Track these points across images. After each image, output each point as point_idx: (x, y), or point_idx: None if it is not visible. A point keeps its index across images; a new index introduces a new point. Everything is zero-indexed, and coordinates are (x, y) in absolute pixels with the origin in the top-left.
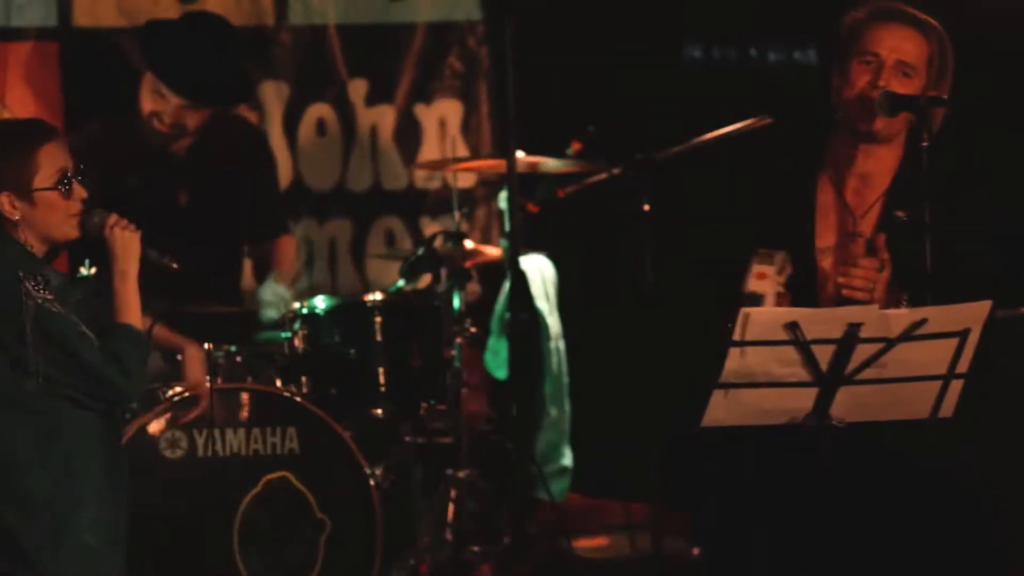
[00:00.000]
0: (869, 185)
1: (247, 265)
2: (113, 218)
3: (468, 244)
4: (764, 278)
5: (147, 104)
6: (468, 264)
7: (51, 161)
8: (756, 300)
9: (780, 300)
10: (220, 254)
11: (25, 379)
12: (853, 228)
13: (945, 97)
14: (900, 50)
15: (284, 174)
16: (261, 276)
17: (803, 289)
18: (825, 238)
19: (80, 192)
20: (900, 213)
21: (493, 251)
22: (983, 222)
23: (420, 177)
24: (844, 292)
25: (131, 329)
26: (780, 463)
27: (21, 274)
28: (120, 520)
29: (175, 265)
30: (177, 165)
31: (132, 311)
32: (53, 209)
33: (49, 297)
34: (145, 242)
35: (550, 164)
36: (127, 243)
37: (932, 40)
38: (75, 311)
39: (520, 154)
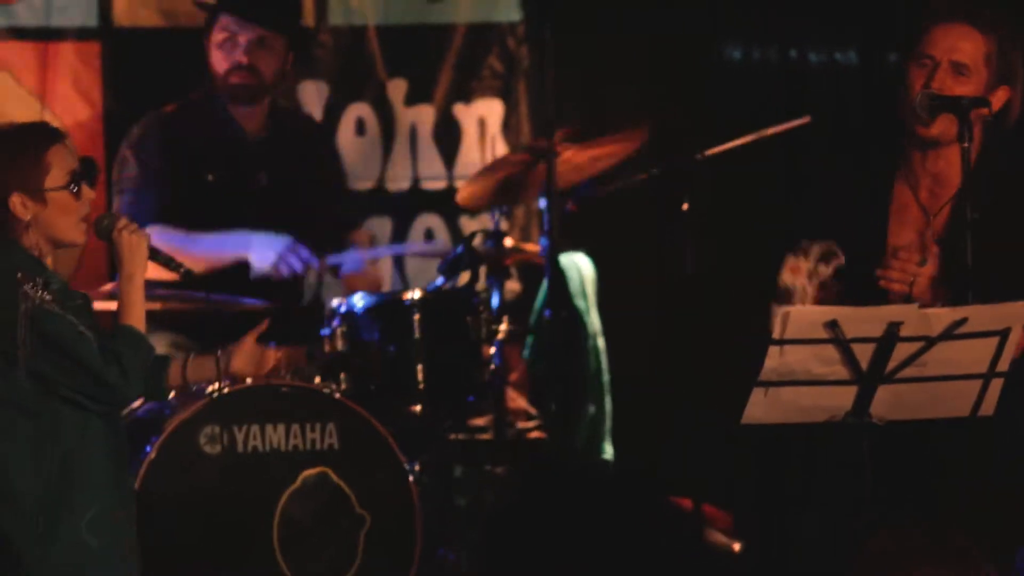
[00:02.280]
0: (942, 185)
1: None
2: (123, 222)
3: (507, 242)
4: (797, 272)
5: (220, 62)
6: (507, 262)
7: (60, 162)
8: (787, 294)
9: (823, 291)
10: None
11: (20, 380)
12: (927, 227)
13: (988, 97)
14: (955, 50)
15: None
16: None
17: (873, 286)
18: (902, 236)
19: (89, 194)
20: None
21: (532, 249)
22: None
23: (459, 176)
24: (881, 283)
25: (132, 331)
26: (820, 460)
27: (20, 275)
28: (128, 520)
29: (182, 270)
30: (253, 148)
31: (135, 314)
32: (64, 210)
33: (47, 298)
34: (152, 248)
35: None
36: (134, 247)
37: (992, 37)
38: (76, 314)
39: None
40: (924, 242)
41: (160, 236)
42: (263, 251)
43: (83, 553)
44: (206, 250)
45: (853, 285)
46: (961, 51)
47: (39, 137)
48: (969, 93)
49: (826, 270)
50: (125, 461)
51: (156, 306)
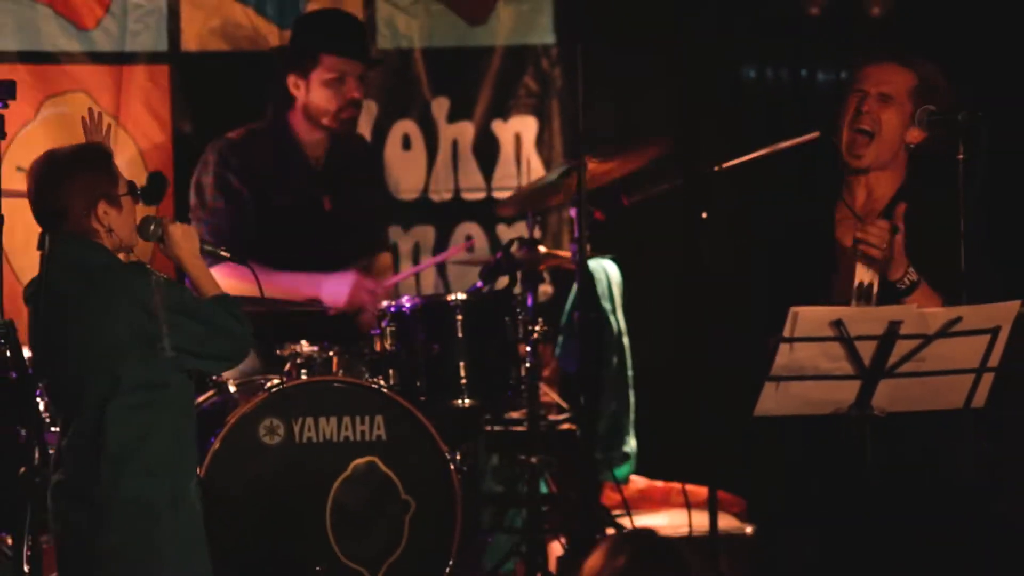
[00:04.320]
0: (874, 199)
1: None
2: (168, 218)
3: (541, 249)
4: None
5: (329, 100)
6: (541, 267)
7: (119, 172)
8: (867, 291)
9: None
10: (358, 255)
11: (165, 354)
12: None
13: (981, 114)
14: (883, 83)
15: None
16: None
17: (822, 280)
18: (846, 240)
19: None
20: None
21: (563, 255)
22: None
23: (497, 187)
24: (860, 247)
25: (225, 296)
26: (828, 449)
27: (141, 262)
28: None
29: (227, 254)
30: (317, 174)
31: (214, 283)
32: (129, 214)
33: (164, 278)
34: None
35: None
36: (185, 231)
37: (916, 73)
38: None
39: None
40: (893, 217)
41: (236, 273)
42: (335, 291)
43: (196, 516)
44: (281, 289)
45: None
46: (888, 84)
47: (104, 152)
48: (893, 119)
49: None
50: None
51: None
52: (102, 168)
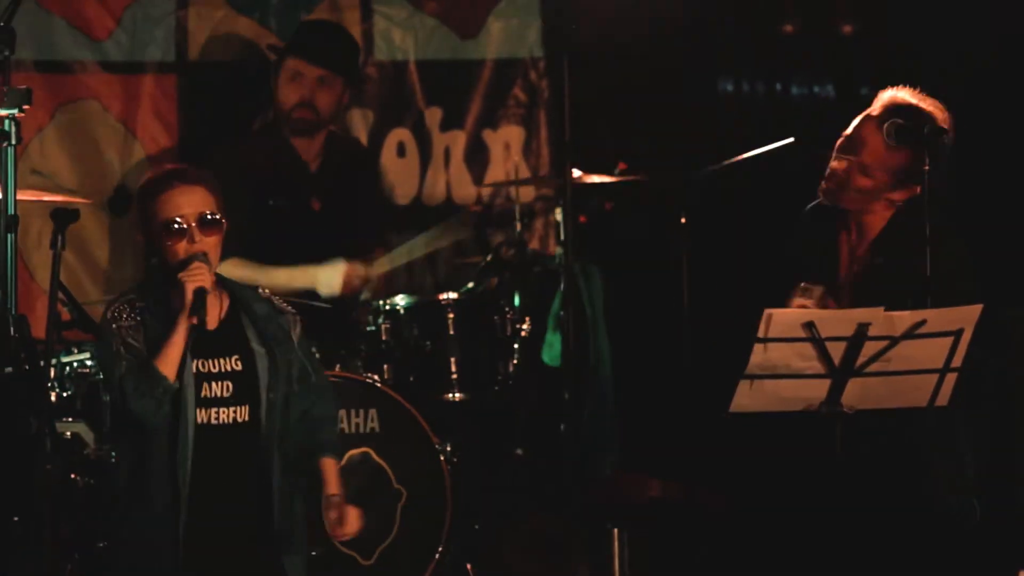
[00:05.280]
0: (863, 235)
1: None
2: (192, 265)
3: (529, 251)
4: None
5: (287, 97)
6: (529, 269)
7: None
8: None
9: None
10: (348, 255)
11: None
12: (851, 267)
13: (947, 128)
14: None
15: None
16: None
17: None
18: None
19: None
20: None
21: (549, 257)
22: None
23: (487, 193)
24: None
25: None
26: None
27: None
28: None
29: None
30: (310, 177)
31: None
32: None
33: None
34: None
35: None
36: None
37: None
38: None
39: (576, 173)
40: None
41: (237, 269)
42: (328, 281)
43: None
44: (278, 285)
45: None
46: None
47: None
48: (868, 186)
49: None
50: None
51: None
52: None
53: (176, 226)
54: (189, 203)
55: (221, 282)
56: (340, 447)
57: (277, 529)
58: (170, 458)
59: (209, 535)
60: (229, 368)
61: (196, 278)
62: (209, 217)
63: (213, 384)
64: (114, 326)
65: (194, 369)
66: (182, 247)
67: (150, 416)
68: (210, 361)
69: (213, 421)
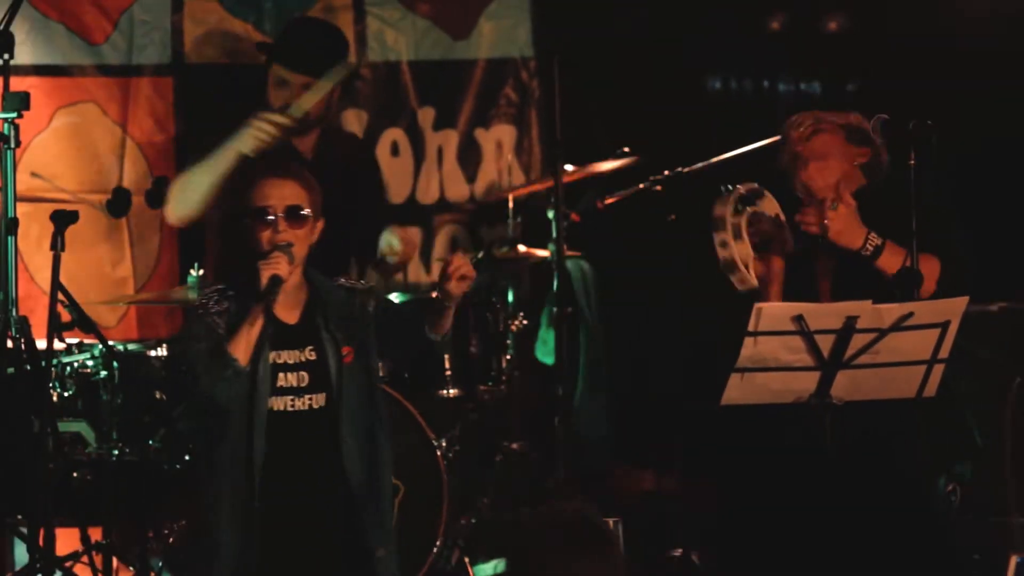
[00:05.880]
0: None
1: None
2: (273, 255)
3: (521, 248)
4: (727, 247)
5: (276, 99)
6: (521, 266)
7: None
8: (719, 222)
9: (753, 224)
10: (337, 249)
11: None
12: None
13: (931, 123)
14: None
15: None
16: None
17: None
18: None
19: None
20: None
21: (542, 254)
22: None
23: (479, 191)
24: (802, 228)
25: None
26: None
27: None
28: None
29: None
30: (306, 165)
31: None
32: None
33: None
34: None
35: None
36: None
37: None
38: None
39: (568, 167)
40: (837, 190)
41: None
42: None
43: None
44: None
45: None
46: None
47: None
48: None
49: (753, 208)
50: None
51: None
52: None
53: (263, 214)
54: (279, 195)
55: (306, 276)
56: None
57: (358, 517)
58: (244, 445)
59: (283, 518)
60: (304, 359)
61: (273, 266)
62: (297, 210)
63: (289, 375)
64: (200, 311)
65: (271, 360)
66: (267, 236)
67: (220, 396)
68: (286, 352)
69: (288, 408)
